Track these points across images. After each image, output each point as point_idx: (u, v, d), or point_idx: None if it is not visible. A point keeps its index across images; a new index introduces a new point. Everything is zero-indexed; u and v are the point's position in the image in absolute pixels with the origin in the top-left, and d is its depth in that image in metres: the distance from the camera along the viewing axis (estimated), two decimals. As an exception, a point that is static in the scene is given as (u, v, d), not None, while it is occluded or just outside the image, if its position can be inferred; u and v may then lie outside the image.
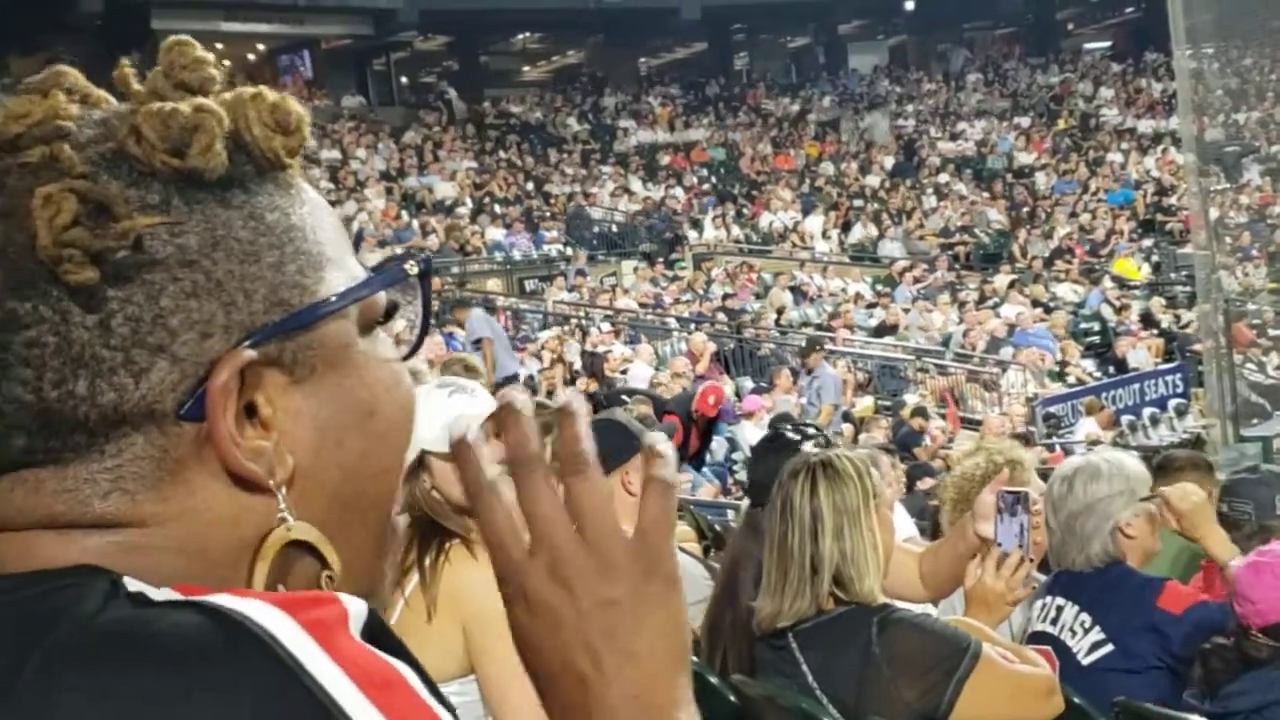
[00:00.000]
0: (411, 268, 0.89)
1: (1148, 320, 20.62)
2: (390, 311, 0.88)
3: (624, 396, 13.45)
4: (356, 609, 0.75)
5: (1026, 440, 12.93)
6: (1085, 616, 3.79)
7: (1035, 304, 21.61)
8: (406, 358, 0.90)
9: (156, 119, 0.79)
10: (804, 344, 16.53)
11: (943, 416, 16.20)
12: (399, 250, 22.69)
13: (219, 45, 33.32)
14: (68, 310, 0.76)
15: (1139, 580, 3.83)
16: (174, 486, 0.79)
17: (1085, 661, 3.76)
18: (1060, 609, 3.86)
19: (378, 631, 0.76)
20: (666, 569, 0.86)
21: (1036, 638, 3.89)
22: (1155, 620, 3.69)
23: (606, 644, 0.83)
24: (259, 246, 0.80)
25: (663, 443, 0.89)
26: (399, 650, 0.76)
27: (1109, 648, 3.74)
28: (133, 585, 0.74)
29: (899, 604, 3.14)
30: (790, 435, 3.31)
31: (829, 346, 18.61)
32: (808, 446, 3.30)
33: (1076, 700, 3.28)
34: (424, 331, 0.91)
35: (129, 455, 0.78)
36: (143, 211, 0.77)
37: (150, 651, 0.70)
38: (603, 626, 0.83)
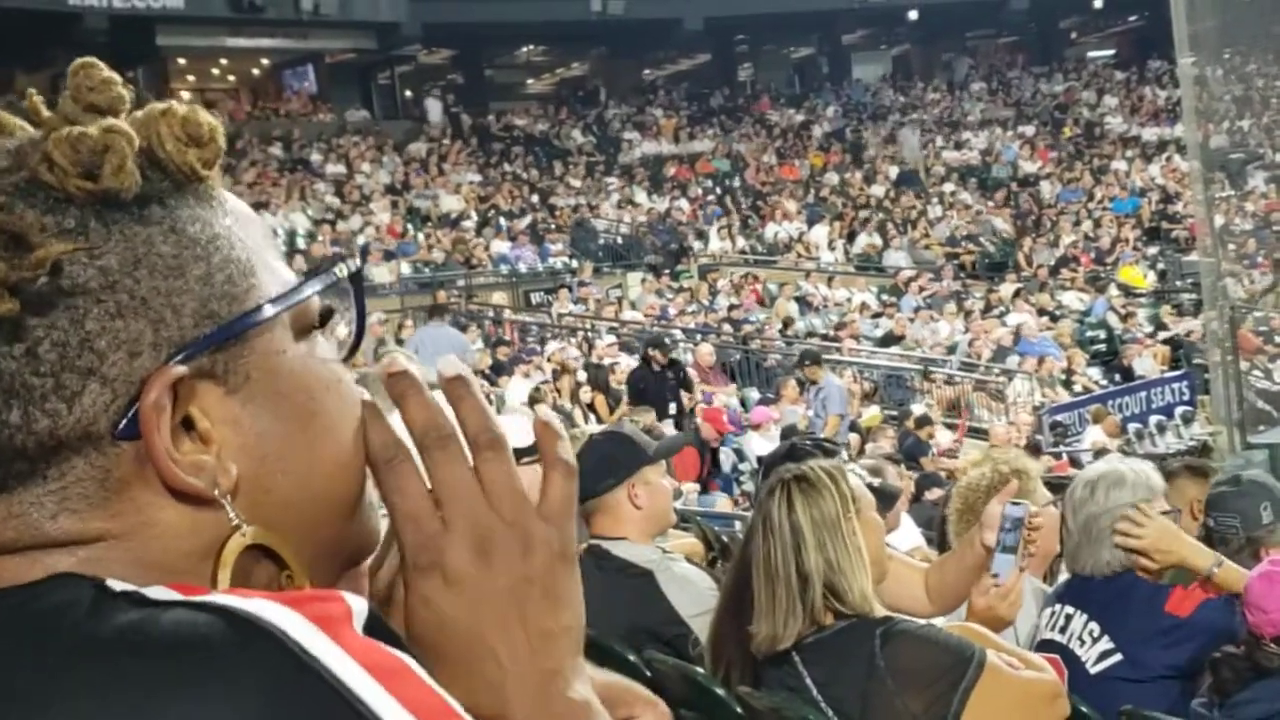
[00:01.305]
0: (342, 270, 0.90)
1: (1159, 327, 20.57)
2: (325, 317, 0.89)
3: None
4: (359, 606, 0.76)
5: (1036, 450, 12.92)
6: (1094, 625, 3.78)
7: (1041, 312, 21.59)
8: (346, 359, 0.90)
9: (66, 144, 0.79)
10: (799, 356, 16.50)
11: (951, 427, 16.18)
12: (404, 264, 22.73)
13: (223, 61, 33.51)
14: None
15: (1147, 589, 3.82)
16: (121, 504, 0.79)
17: (1094, 670, 3.75)
18: (1069, 617, 3.85)
19: (379, 628, 0.77)
20: (572, 550, 0.88)
21: (1045, 646, 3.87)
22: (1164, 626, 3.68)
23: (524, 621, 0.84)
24: (183, 260, 0.80)
25: (555, 418, 0.90)
26: (401, 646, 0.76)
27: (1117, 657, 3.72)
28: (119, 585, 0.75)
29: (902, 616, 3.13)
30: (803, 449, 3.30)
31: (835, 356, 18.60)
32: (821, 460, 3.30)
33: (1083, 709, 3.27)
34: (360, 333, 0.91)
35: (71, 478, 0.78)
36: (59, 238, 0.77)
37: (157, 648, 0.70)
38: (522, 604, 0.84)
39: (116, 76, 0.84)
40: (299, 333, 0.86)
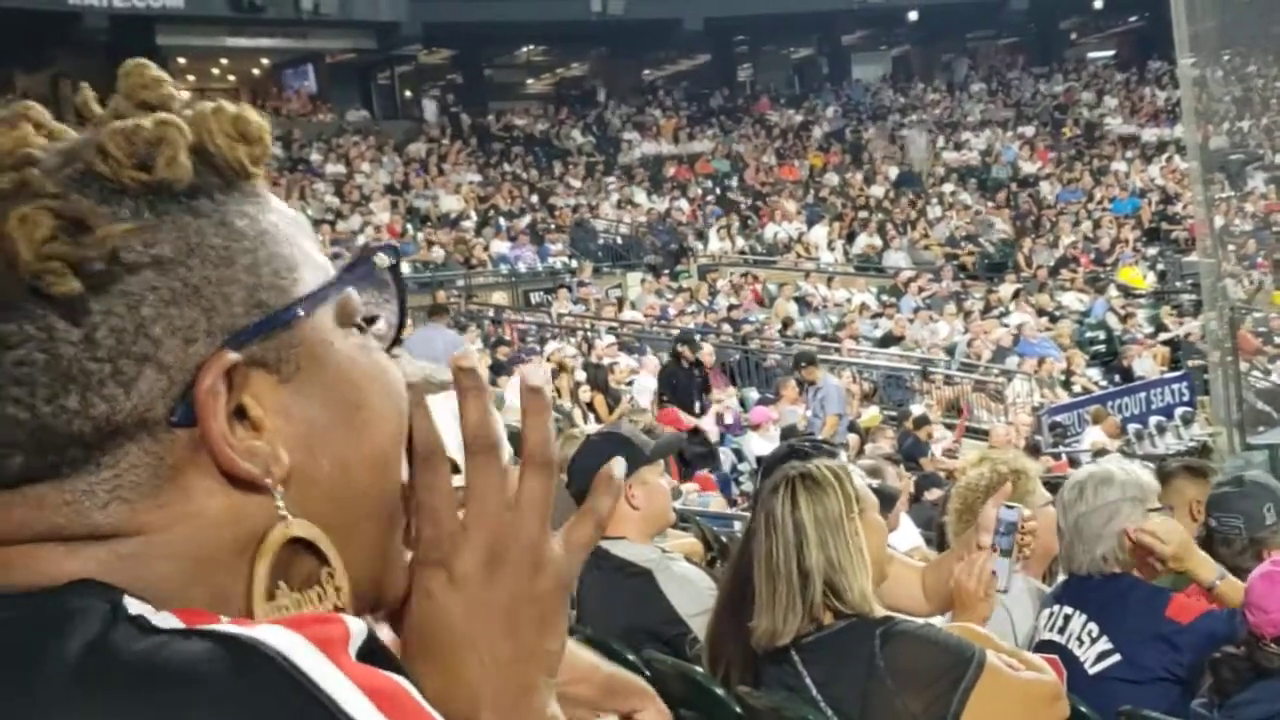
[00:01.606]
0: (381, 260, 0.91)
1: (1159, 329, 20.56)
2: (370, 320, 0.90)
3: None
4: (357, 628, 0.77)
5: (1034, 450, 12.92)
6: (1093, 626, 3.78)
7: (1041, 313, 21.61)
8: (389, 349, 0.91)
9: (121, 135, 0.80)
10: (795, 358, 16.56)
11: (950, 427, 16.18)
12: (404, 266, 22.74)
13: (224, 60, 33.54)
14: (53, 326, 0.77)
15: (1147, 590, 3.82)
16: (171, 492, 0.80)
17: (1092, 671, 3.75)
18: (1068, 618, 3.85)
19: (376, 650, 0.77)
20: (570, 586, 0.91)
21: (1044, 646, 3.87)
22: (1163, 630, 3.69)
23: (514, 636, 0.87)
24: (232, 251, 0.82)
25: (617, 476, 0.93)
26: (396, 668, 0.77)
27: (1116, 657, 3.73)
28: (134, 607, 0.75)
29: (902, 616, 3.14)
30: (802, 450, 3.31)
31: (834, 357, 18.62)
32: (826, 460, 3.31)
33: (1082, 709, 3.27)
34: (401, 323, 0.92)
35: (125, 465, 0.79)
36: (116, 222, 0.78)
37: (157, 677, 0.71)
38: (517, 620, 0.87)
39: (168, 76, 0.86)
40: (343, 324, 0.87)
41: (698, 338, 18.29)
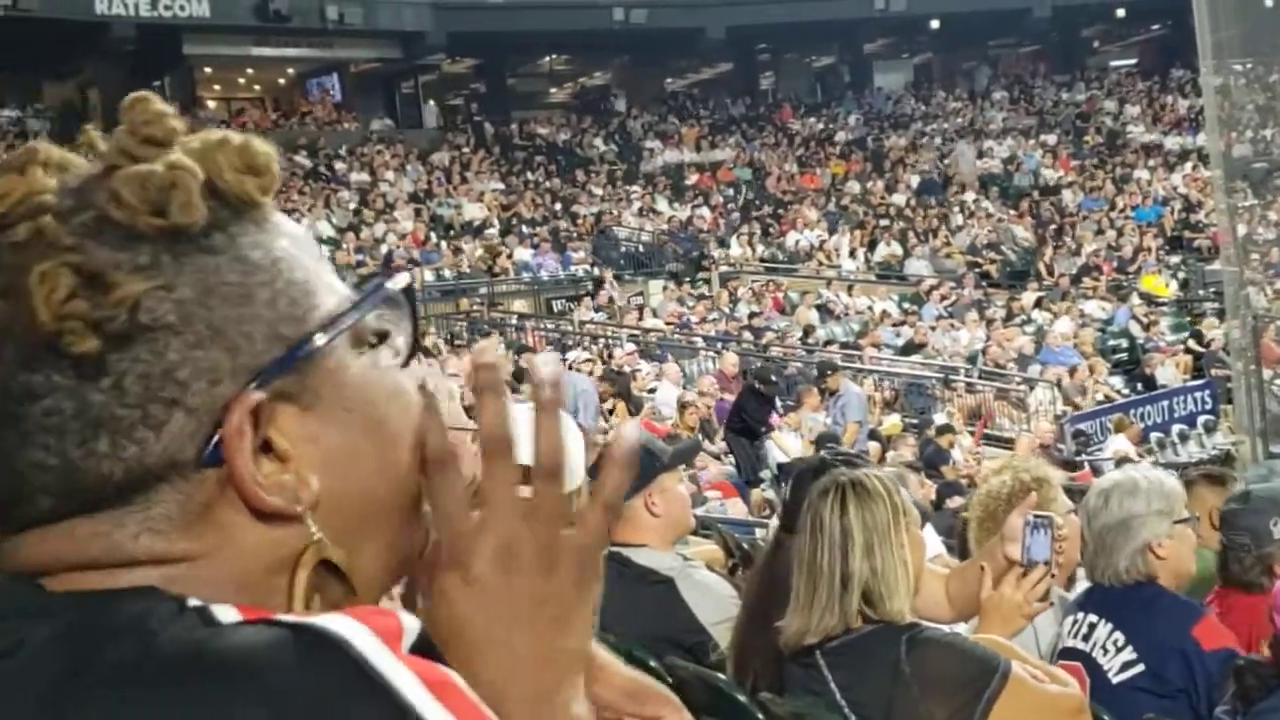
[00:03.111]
0: (394, 284, 0.92)
1: (1195, 336, 20.42)
2: (383, 337, 0.91)
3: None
4: (411, 624, 0.79)
5: (1067, 464, 12.87)
6: (1118, 635, 3.75)
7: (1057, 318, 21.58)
8: (401, 367, 0.92)
9: (134, 182, 0.81)
10: (818, 369, 16.66)
11: (970, 434, 16.15)
12: (428, 272, 22.79)
13: (249, 70, 33.67)
14: (80, 377, 0.79)
15: (1175, 602, 3.79)
16: (204, 526, 0.82)
17: (1115, 680, 3.72)
18: (1093, 626, 3.82)
19: (427, 646, 0.80)
20: (591, 583, 0.90)
21: (1067, 654, 3.85)
22: (1186, 647, 3.65)
23: (533, 635, 0.87)
24: (250, 287, 0.83)
25: (626, 458, 0.92)
26: (442, 662, 0.80)
27: (1140, 668, 3.70)
28: (194, 601, 0.78)
29: (928, 623, 3.14)
30: (833, 464, 3.32)
31: (856, 365, 18.60)
32: (876, 469, 3.32)
33: (1105, 719, 3.28)
34: (415, 343, 0.93)
35: (156, 501, 0.81)
36: (135, 274, 0.80)
37: (229, 660, 0.73)
38: (535, 619, 0.87)
39: (170, 109, 0.86)
40: (358, 345, 0.88)
41: (720, 345, 18.31)
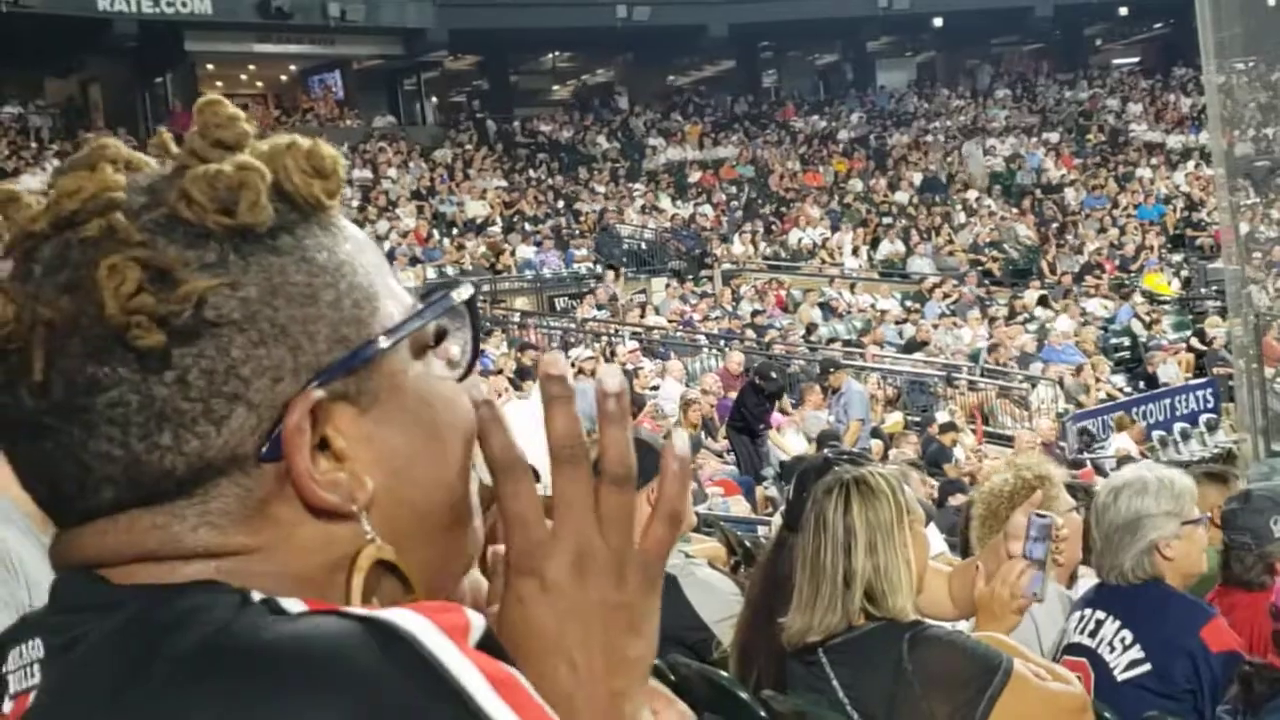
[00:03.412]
0: (458, 295, 0.93)
1: (1198, 335, 20.42)
2: (440, 337, 0.92)
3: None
4: (478, 621, 0.80)
5: (1071, 462, 12.86)
6: (1126, 633, 3.74)
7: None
8: (460, 379, 0.93)
9: (203, 181, 0.82)
10: (821, 368, 16.64)
11: (972, 432, 16.16)
12: (430, 269, 22.81)
13: (251, 66, 33.68)
14: (145, 371, 0.80)
15: (1184, 603, 3.79)
16: (261, 521, 0.83)
17: (1121, 678, 3.72)
18: (1100, 622, 3.81)
19: (492, 644, 0.80)
20: (659, 587, 0.92)
21: (1073, 649, 3.85)
22: (1193, 648, 3.64)
23: (605, 643, 0.88)
24: (315, 288, 0.84)
25: (688, 468, 0.93)
26: (509, 661, 0.80)
27: (1146, 667, 3.69)
28: (257, 595, 0.79)
29: (930, 621, 3.14)
30: (836, 462, 3.31)
31: (858, 362, 18.60)
32: (880, 467, 3.31)
33: (1107, 716, 3.28)
34: (474, 354, 0.94)
35: (214, 495, 0.82)
36: (202, 271, 0.81)
37: (297, 655, 0.74)
38: (607, 626, 0.88)
39: (241, 113, 0.88)
40: (417, 352, 0.90)
41: (723, 343, 18.31)
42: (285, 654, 0.74)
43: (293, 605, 0.78)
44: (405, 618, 0.76)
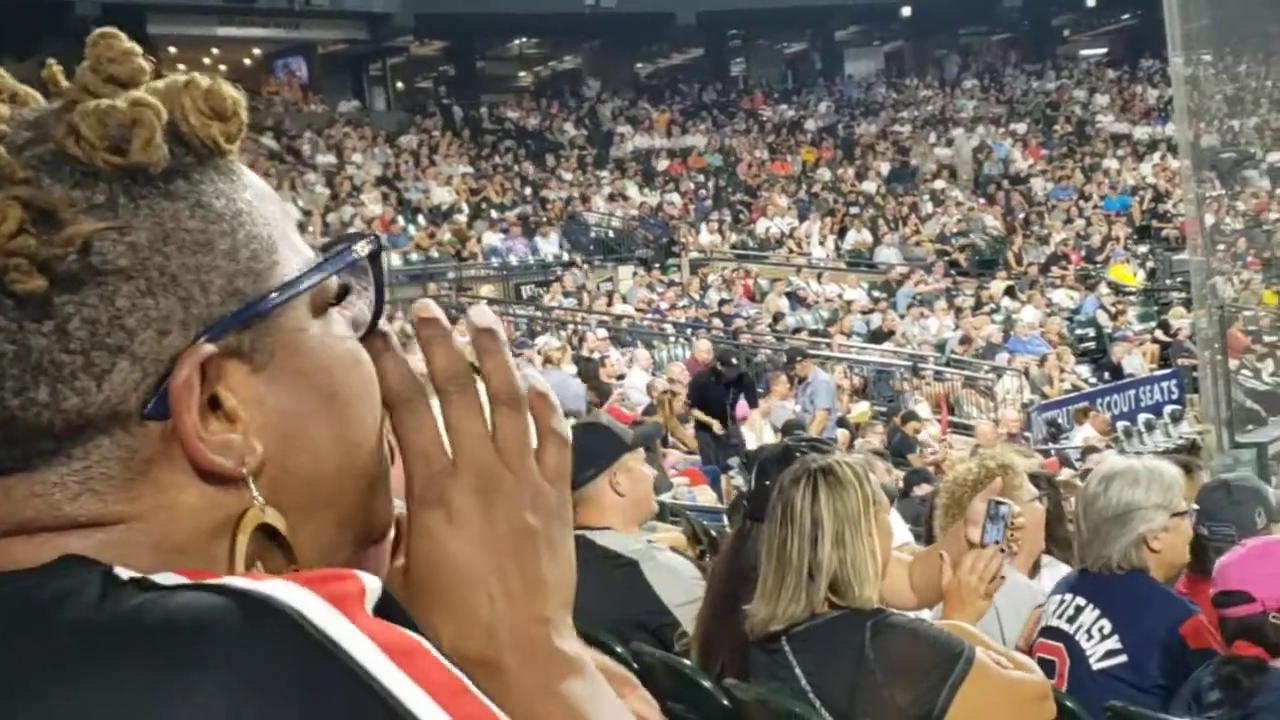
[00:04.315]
0: (361, 249, 0.88)
1: (1162, 326, 20.55)
2: (342, 294, 0.88)
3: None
4: (373, 585, 0.75)
5: (1049, 457, 12.91)
6: (1105, 623, 3.75)
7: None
8: (363, 339, 0.88)
9: (93, 117, 0.77)
10: (788, 356, 16.60)
11: (937, 421, 16.20)
12: (395, 256, 22.71)
13: (214, 50, 33.47)
14: (22, 318, 0.74)
15: (1166, 598, 3.80)
16: (144, 485, 0.78)
17: (1096, 667, 3.73)
18: (1080, 609, 3.81)
19: (391, 607, 0.76)
20: (568, 514, 0.90)
21: (1050, 633, 3.87)
22: (1170, 643, 3.66)
23: (520, 569, 0.85)
24: (210, 235, 0.79)
25: (550, 389, 0.91)
26: (410, 624, 0.76)
27: (1122, 658, 3.70)
28: (126, 572, 0.73)
29: (893, 609, 3.13)
30: (797, 450, 3.29)
31: (825, 352, 18.62)
32: (848, 456, 3.30)
33: (1069, 704, 3.27)
34: (378, 312, 0.90)
35: (96, 457, 0.77)
36: (89, 213, 0.76)
37: (166, 632, 0.69)
38: (520, 551, 0.85)
39: (137, 48, 0.83)
40: (317, 310, 0.85)
41: (689, 332, 18.31)
42: (155, 632, 0.69)
43: (166, 579, 0.73)
44: (282, 589, 0.71)
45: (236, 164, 0.84)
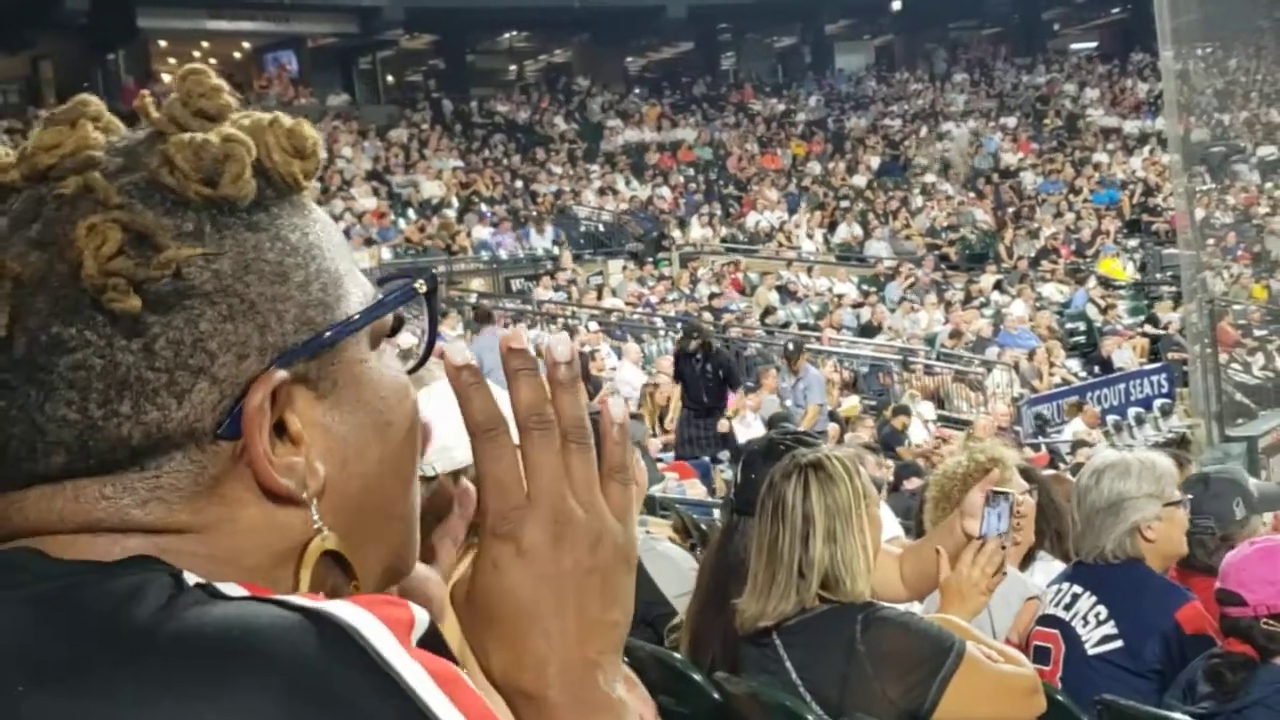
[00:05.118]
0: (420, 286, 0.92)
1: (1150, 321, 20.60)
2: (397, 327, 0.92)
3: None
4: (421, 617, 0.79)
5: (1039, 451, 12.93)
6: (1101, 609, 3.79)
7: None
8: (413, 370, 0.93)
9: (188, 150, 0.81)
10: (786, 348, 16.52)
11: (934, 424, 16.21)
12: (385, 250, 22.70)
13: (204, 44, 33.37)
14: (113, 335, 0.79)
15: (1162, 584, 3.83)
16: (209, 499, 0.82)
17: (1091, 652, 3.76)
18: (1076, 596, 3.86)
19: (435, 640, 0.79)
20: (633, 554, 0.92)
21: (1047, 621, 3.90)
22: (1167, 629, 3.69)
23: (580, 608, 0.87)
24: (286, 267, 0.83)
25: (629, 427, 0.93)
26: (451, 658, 0.79)
27: (1118, 644, 3.74)
28: (193, 578, 0.77)
29: (883, 603, 3.13)
30: (783, 443, 3.28)
31: (815, 346, 18.62)
32: (838, 449, 3.29)
33: (1060, 698, 3.28)
34: (430, 346, 0.95)
35: (168, 469, 0.81)
36: (179, 240, 0.80)
37: (233, 640, 0.72)
38: (581, 592, 0.87)
39: (225, 84, 0.87)
40: (374, 341, 0.89)
41: (679, 326, 18.26)
42: (220, 637, 0.72)
43: (230, 589, 0.77)
44: (347, 610, 0.75)
45: (308, 199, 0.89)
